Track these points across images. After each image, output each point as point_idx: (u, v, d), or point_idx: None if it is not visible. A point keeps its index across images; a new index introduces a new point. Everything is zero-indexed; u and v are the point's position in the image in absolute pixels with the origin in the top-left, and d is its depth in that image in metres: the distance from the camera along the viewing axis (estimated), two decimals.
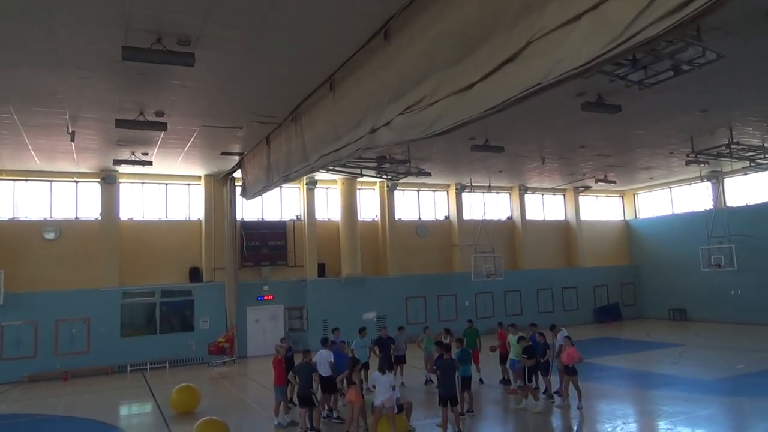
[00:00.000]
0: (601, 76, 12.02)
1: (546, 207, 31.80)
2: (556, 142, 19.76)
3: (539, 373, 13.72)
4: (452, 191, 28.44)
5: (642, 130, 18.44)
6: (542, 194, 31.46)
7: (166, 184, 23.12)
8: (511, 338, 14.60)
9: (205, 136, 16.98)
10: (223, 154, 19.14)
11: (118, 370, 20.43)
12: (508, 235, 29.99)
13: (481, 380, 15.60)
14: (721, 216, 27.89)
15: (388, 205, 26.45)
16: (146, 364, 20.72)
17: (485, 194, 28.83)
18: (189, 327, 22.20)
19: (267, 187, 17.29)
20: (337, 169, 19.31)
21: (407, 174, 20.79)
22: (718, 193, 28.92)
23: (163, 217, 23.04)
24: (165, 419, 13.46)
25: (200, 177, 23.11)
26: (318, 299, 24.11)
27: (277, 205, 25.11)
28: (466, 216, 28.71)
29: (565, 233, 32.01)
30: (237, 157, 19.80)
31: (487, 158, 21.64)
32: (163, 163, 20.01)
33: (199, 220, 23.34)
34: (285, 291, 23.97)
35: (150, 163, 18.45)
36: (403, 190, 27.43)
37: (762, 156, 20.61)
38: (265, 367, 15.84)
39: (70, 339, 20.13)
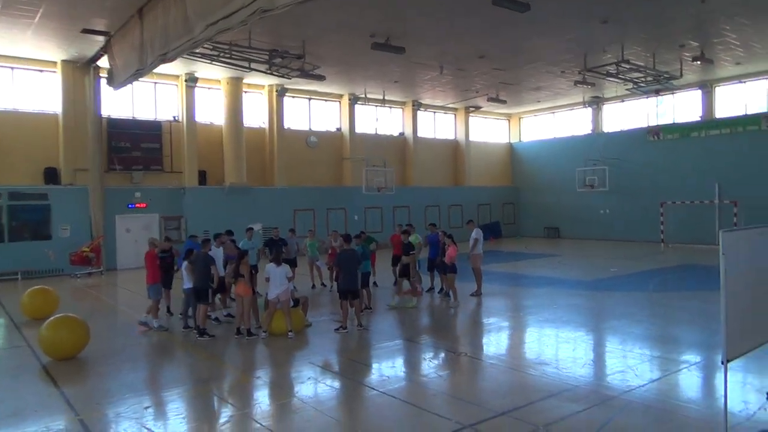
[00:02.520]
0: None
1: (437, 126, 31.71)
2: (458, 47, 19.07)
3: (437, 271, 13.62)
4: (345, 102, 27.19)
5: (542, 39, 18.28)
6: (434, 112, 31.22)
7: (12, 68, 19.47)
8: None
9: (62, 2, 14.16)
10: (85, 31, 16.26)
11: None
12: (399, 151, 29.62)
13: (375, 283, 15.26)
14: (598, 140, 29.53)
15: (276, 112, 24.68)
16: None
17: (379, 108, 27.98)
18: (45, 235, 19.51)
19: (140, 72, 14.96)
20: (222, 59, 17.22)
21: (301, 73, 19.15)
22: (597, 119, 30.44)
23: (10, 108, 19.55)
24: (16, 325, 11.59)
25: (56, 63, 19.74)
26: (198, 209, 22.25)
27: (151, 103, 22.38)
28: (359, 129, 27.76)
29: (454, 152, 32.31)
30: (102, 39, 16.98)
31: (384, 63, 20.56)
32: (7, 36, 16.67)
33: (56, 114, 20.15)
34: (160, 199, 21.82)
35: None
36: (293, 96, 25.70)
37: (644, 78, 21.56)
38: (138, 277, 14.17)
39: None
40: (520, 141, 34.86)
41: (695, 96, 26.59)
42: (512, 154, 34.96)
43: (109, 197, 20.32)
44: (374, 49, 17.33)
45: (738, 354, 5.31)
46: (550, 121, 33.29)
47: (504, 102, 28.11)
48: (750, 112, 24.81)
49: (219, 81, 23.06)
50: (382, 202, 27.37)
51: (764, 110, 24.35)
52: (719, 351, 7.02)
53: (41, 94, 20.07)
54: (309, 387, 7.50)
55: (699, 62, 20.73)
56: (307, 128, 26.57)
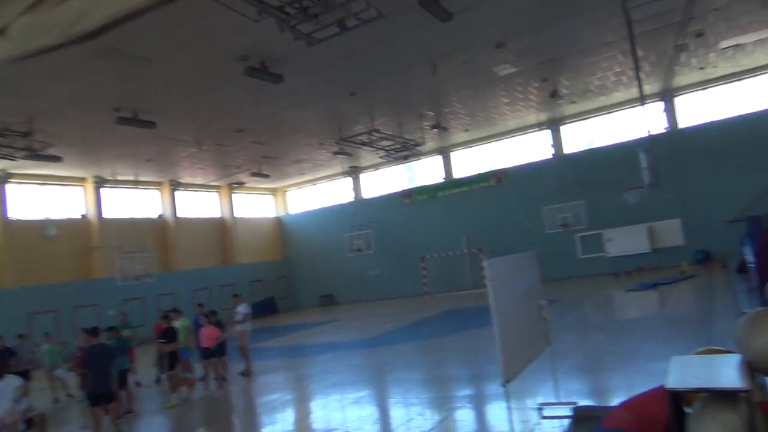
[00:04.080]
0: (269, 34, 11.43)
1: (200, 204, 30.12)
2: (215, 121, 18.41)
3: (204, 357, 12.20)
4: (89, 186, 24.16)
5: (299, 111, 18.67)
6: (196, 191, 29.65)
7: None
8: (177, 324, 12.63)
9: None
10: None
11: None
12: (159, 234, 27.20)
13: (138, 383, 13.12)
14: (360, 206, 31.10)
15: None
16: None
17: (131, 189, 25.48)
18: None
19: None
20: None
21: (29, 154, 16.37)
22: (357, 186, 32.18)
23: None
24: None
25: None
26: None
27: None
28: (109, 214, 24.79)
29: (220, 231, 30.91)
30: None
31: (134, 140, 18.81)
32: None
33: None
34: None
35: None
36: (20, 182, 21.91)
37: (394, 146, 23.42)
38: None
39: None
40: (287, 213, 35.02)
41: (437, 160, 29.91)
42: (281, 227, 34.85)
43: None
44: (120, 124, 15.68)
45: (514, 374, 5.42)
46: (314, 192, 34.20)
47: (267, 176, 28.00)
48: (481, 171, 28.70)
49: None
50: (143, 292, 24.44)
51: (492, 169, 28.39)
52: (493, 379, 7.21)
53: None
54: None
55: (436, 130, 23.38)
56: (42, 218, 22.76)
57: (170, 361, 11.38)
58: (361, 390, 10.06)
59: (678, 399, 3.39)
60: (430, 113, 21.82)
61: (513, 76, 18.59)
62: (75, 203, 24.18)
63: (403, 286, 29.44)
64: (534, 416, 6.68)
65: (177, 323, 12.55)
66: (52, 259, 22.54)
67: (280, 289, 32.79)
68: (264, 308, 30.34)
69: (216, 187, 30.38)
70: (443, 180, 29.70)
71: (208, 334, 11.55)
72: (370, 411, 8.67)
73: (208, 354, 11.57)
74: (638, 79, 16.41)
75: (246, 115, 18.13)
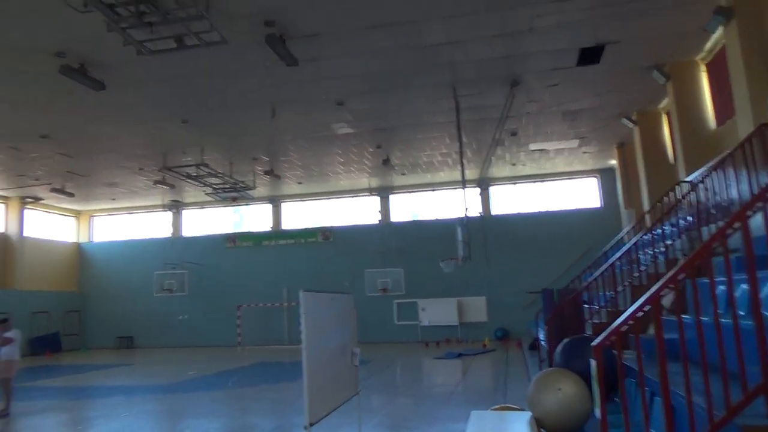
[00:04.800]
0: (95, 34, 10.40)
1: None
2: (14, 120, 15.98)
3: None
4: None
5: (117, 127, 17.07)
6: None
7: None
8: None
9: None
10: None
11: None
12: None
13: None
14: (177, 244, 29.03)
15: None
16: None
17: None
18: None
19: None
20: None
21: None
22: (177, 223, 30.11)
23: None
24: None
25: None
26: None
27: None
28: None
29: (1, 248, 26.56)
30: None
31: None
32: None
33: None
34: None
35: None
36: None
37: (223, 185, 22.43)
38: None
39: None
40: (90, 241, 31.39)
41: (267, 208, 29.29)
42: (80, 255, 31.05)
43: None
44: None
45: (319, 416, 5.09)
46: (126, 222, 31.26)
47: (72, 195, 24.92)
48: (310, 225, 28.67)
49: None
50: None
51: (319, 225, 28.52)
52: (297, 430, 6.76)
53: None
54: None
55: (269, 176, 22.97)
56: None
57: None
58: None
59: None
60: (265, 158, 21.42)
61: (350, 136, 19.11)
62: None
63: (216, 335, 27.64)
64: None
65: None
66: None
67: (68, 325, 28.74)
68: (45, 344, 26.37)
69: (3, 199, 26.34)
70: (270, 229, 29.08)
71: None
72: None
73: None
74: (461, 163, 17.94)
75: (54, 119, 16.05)
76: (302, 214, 29.25)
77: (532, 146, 21.36)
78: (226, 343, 26.93)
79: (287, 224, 29.19)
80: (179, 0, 9.28)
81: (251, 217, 29.96)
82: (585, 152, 22.71)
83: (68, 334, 28.60)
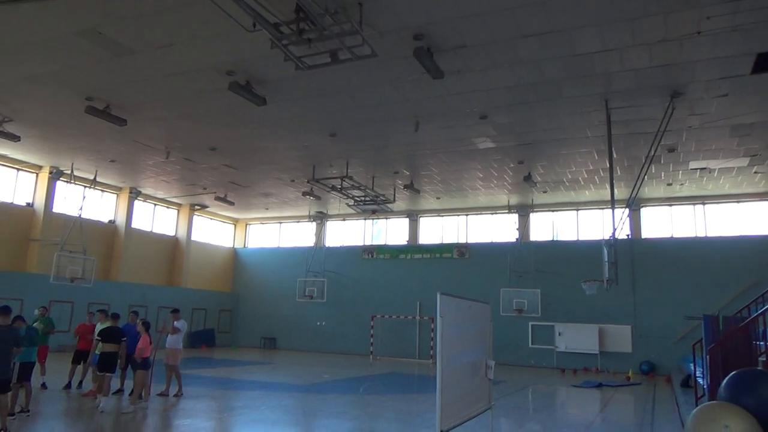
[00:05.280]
0: (260, 52, 11.39)
1: (157, 218, 29.19)
2: (188, 133, 17.98)
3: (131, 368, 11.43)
4: (44, 175, 23.23)
5: (275, 141, 18.45)
6: (155, 204, 28.82)
7: None
8: (99, 327, 11.89)
9: None
10: None
11: None
12: (107, 240, 26.13)
13: (44, 384, 12.20)
14: (320, 253, 30.56)
15: None
16: None
17: (88, 189, 24.52)
18: None
19: None
20: None
21: None
22: (320, 233, 31.73)
23: None
24: None
25: None
26: None
27: None
28: (58, 208, 23.74)
29: (172, 250, 29.86)
30: None
31: (101, 135, 18.24)
32: None
33: None
34: None
35: None
36: None
37: (364, 198, 23.27)
38: None
39: None
40: (245, 247, 34.18)
41: (404, 223, 29.85)
42: (236, 259, 33.90)
43: None
44: (89, 113, 15.17)
45: (450, 425, 4.98)
46: (276, 231, 33.58)
47: (232, 204, 27.41)
48: (446, 241, 28.69)
49: None
50: (75, 296, 23.14)
51: (455, 241, 28.42)
52: None
53: None
54: None
55: (408, 190, 23.39)
56: None
57: (104, 362, 10.57)
58: (284, 430, 9.35)
59: None
60: (406, 172, 21.86)
61: (491, 151, 18.88)
62: (23, 189, 23.12)
63: (349, 343, 28.61)
64: None
65: (99, 326, 11.87)
66: None
67: (222, 323, 31.52)
68: (201, 338, 29.13)
69: (177, 205, 29.62)
70: (407, 243, 29.54)
71: (144, 345, 10.87)
72: None
73: (137, 365, 10.86)
74: (611, 181, 16.80)
75: (222, 133, 17.81)
76: (438, 230, 29.37)
77: (693, 164, 19.52)
78: (359, 351, 27.71)
79: (423, 239, 29.47)
80: (335, 16, 9.83)
81: (389, 231, 30.69)
82: (757, 172, 20.27)
83: (221, 331, 31.27)
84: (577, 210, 26.36)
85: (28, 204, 23.15)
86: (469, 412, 6.28)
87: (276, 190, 25.58)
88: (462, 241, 28.42)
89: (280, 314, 31.07)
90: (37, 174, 23.27)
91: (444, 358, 5.12)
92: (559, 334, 24.56)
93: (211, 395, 13.23)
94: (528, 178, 21.21)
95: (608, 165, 17.04)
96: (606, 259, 15.31)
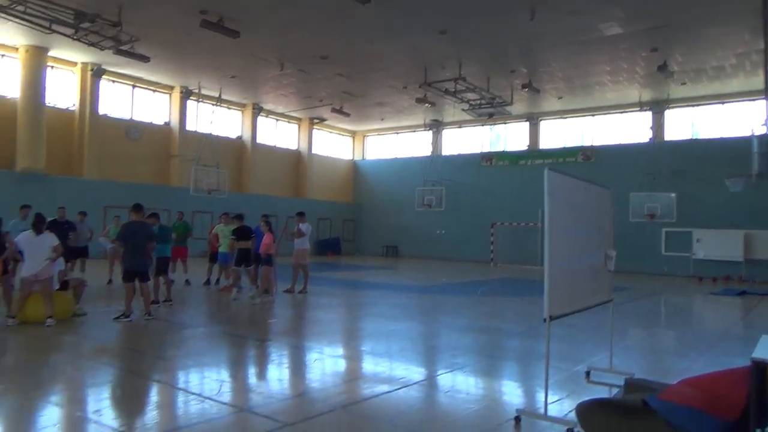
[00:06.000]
0: None
1: (279, 134, 30.50)
2: (299, 42, 18.05)
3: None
4: (176, 95, 24.89)
5: (384, 43, 17.96)
6: (277, 119, 30.01)
7: None
8: (221, 228, 12.83)
9: None
10: None
11: None
12: (236, 155, 27.86)
13: (187, 281, 13.60)
14: (437, 162, 30.36)
15: (90, 94, 21.69)
16: None
17: (215, 107, 25.98)
18: None
19: None
20: (14, 11, 14.43)
21: (117, 47, 16.79)
22: (436, 142, 31.38)
23: None
24: None
25: None
26: None
27: None
28: (191, 127, 25.54)
29: (295, 163, 31.26)
30: None
31: (219, 51, 18.92)
32: None
33: None
34: None
35: None
36: (113, 80, 22.90)
37: (480, 101, 22.37)
38: None
39: None
40: (363, 158, 34.90)
41: (524, 127, 28.50)
42: (355, 171, 34.81)
43: None
44: (203, 27, 15.68)
45: (560, 311, 4.74)
46: (393, 141, 33.75)
47: (348, 115, 27.72)
48: (569, 145, 27.08)
49: (16, 48, 19.67)
50: (212, 207, 25.18)
51: (580, 144, 26.74)
52: (541, 339, 6.55)
53: None
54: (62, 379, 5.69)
55: (527, 90, 22.04)
56: (128, 118, 23.79)
57: (241, 258, 11.56)
58: (400, 322, 9.70)
59: (763, 377, 2.80)
60: (524, 70, 20.52)
61: (619, 39, 16.99)
62: (160, 110, 25.04)
63: (469, 250, 28.74)
64: (579, 378, 5.98)
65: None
66: (133, 159, 23.60)
67: (345, 232, 33.04)
68: (327, 246, 30.76)
69: (297, 119, 30.59)
70: (527, 148, 28.33)
71: (269, 242, 11.56)
72: (411, 343, 8.06)
73: (261, 261, 11.64)
74: (766, 63, 14.49)
75: (331, 40, 17.71)
76: (561, 133, 27.72)
77: None
78: (479, 258, 27.75)
79: (545, 143, 28.04)
80: None
81: (508, 137, 29.55)
82: None
83: (346, 240, 32.81)
84: (723, 103, 23.38)
85: (165, 123, 25.12)
86: (583, 302, 5.91)
87: (390, 99, 25.38)
88: (587, 144, 26.64)
89: (400, 223, 31.80)
90: (170, 94, 24.98)
91: (552, 240, 4.74)
92: (697, 241, 22.66)
93: (334, 293, 13.99)
94: (663, 68, 18.96)
95: (763, 45, 14.68)
96: (755, 150, 13.51)
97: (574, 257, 5.61)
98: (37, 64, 19.77)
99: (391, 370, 6.18)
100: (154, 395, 5.22)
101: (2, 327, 7.68)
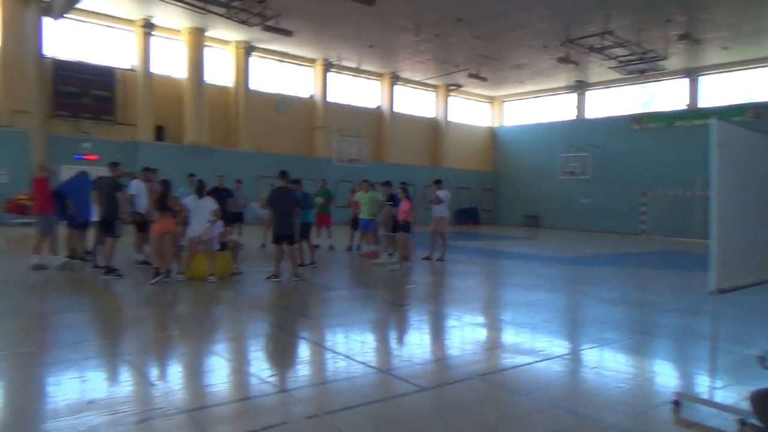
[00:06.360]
0: None
1: (416, 102, 30.57)
2: (434, 5, 17.74)
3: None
4: (318, 68, 25.87)
5: (520, 2, 17.06)
6: (414, 87, 30.06)
7: None
8: (361, 195, 13.11)
9: None
10: None
11: None
12: (375, 124, 28.46)
13: (331, 247, 14.23)
14: (581, 126, 28.58)
15: (243, 71, 23.33)
16: None
17: (354, 77, 26.66)
18: None
19: None
20: None
21: (264, 23, 17.70)
22: (581, 104, 29.49)
23: None
24: None
25: None
26: (154, 166, 20.65)
27: (104, 48, 20.79)
28: (332, 98, 26.46)
29: (432, 132, 31.22)
30: None
31: (357, 20, 19.19)
32: None
33: None
34: (112, 151, 20.19)
35: None
36: (262, 56, 24.37)
37: (629, 57, 20.46)
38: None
39: None
40: (501, 125, 33.87)
41: (680, 84, 25.74)
42: (494, 138, 33.94)
43: (53, 144, 18.83)
44: None
45: (731, 284, 4.16)
46: (533, 106, 32.28)
47: (485, 80, 26.82)
48: (736, 102, 23.99)
49: (179, 31, 21.61)
50: (353, 176, 26.02)
51: (750, 101, 23.55)
52: (703, 318, 5.94)
53: None
54: (224, 329, 6.27)
55: (685, 41, 19.73)
56: (276, 92, 25.25)
57: (393, 224, 11.89)
58: (546, 293, 9.32)
59: None
60: (681, 18, 18.36)
61: None
62: (305, 83, 26.21)
63: (617, 221, 26.91)
64: (750, 364, 5.31)
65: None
66: (281, 131, 25.10)
67: (484, 201, 32.55)
68: (466, 216, 30.57)
69: (433, 87, 30.39)
70: (686, 108, 25.55)
71: (406, 209, 11.64)
72: (546, 315, 7.59)
73: (399, 227, 11.74)
74: None
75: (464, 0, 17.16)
76: (726, 89, 24.58)
77: None
78: (628, 229, 25.87)
79: (706, 101, 25.08)
80: None
81: (662, 95, 26.86)
82: None
83: (484, 209, 32.32)
84: None
85: (310, 96, 26.28)
86: (759, 275, 5.13)
87: (528, 60, 24.20)
88: (759, 100, 23.37)
89: (542, 192, 30.55)
90: (313, 67, 26.02)
91: (721, 200, 4.14)
92: None
93: (473, 261, 13.83)
94: None
95: None
96: None
97: (745, 223, 4.90)
98: (197, 44, 21.62)
99: (533, 342, 5.95)
100: (298, 350, 5.52)
101: (172, 281, 8.60)
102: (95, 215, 9.28)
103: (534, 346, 5.78)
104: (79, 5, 16.91)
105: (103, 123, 20.20)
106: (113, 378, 4.41)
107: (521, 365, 5.02)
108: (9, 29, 18.17)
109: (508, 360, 5.28)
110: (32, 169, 18.18)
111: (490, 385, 4.48)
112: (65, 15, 15.73)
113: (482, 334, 6.50)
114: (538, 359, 5.21)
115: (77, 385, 4.11)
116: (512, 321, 7.16)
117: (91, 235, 10.19)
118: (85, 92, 19.69)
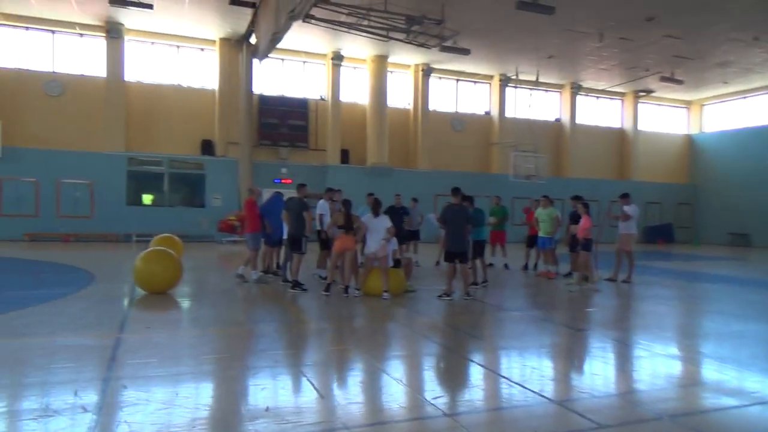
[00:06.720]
0: None
1: (600, 112, 28.70)
2: (620, 7, 16.56)
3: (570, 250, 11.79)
4: (495, 84, 25.66)
5: None
6: (597, 96, 28.28)
7: (178, 46, 21.26)
8: (540, 212, 12.55)
9: None
10: (233, 2, 16.99)
11: (124, 239, 19.46)
12: (554, 138, 27.31)
13: (506, 265, 13.91)
14: None
15: (422, 92, 24.07)
16: (153, 236, 19.63)
17: (532, 90, 25.91)
18: (199, 203, 21.02)
19: (276, 36, 15.30)
20: (360, 26, 16.83)
21: (441, 45, 18.09)
22: None
23: (175, 83, 21.32)
24: None
25: (215, 42, 21.15)
26: (339, 187, 22.17)
27: (299, 82, 23.03)
28: (510, 113, 26.01)
29: (618, 142, 29.00)
30: (249, 11, 17.67)
31: (535, 31, 18.70)
32: (168, 10, 18.03)
33: (213, 90, 21.61)
34: (304, 175, 22.18)
35: (150, 6, 16.49)
36: (439, 77, 24.89)
37: None
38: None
39: (74, 202, 19.26)
40: (701, 132, 30.21)
41: None
42: (691, 147, 30.42)
43: (257, 171, 21.22)
44: (519, 9, 15.67)
45: None
46: (740, 108, 28.27)
47: (681, 83, 24.27)
48: None
49: (364, 60, 23.02)
50: (531, 192, 25.18)
51: None
52: None
53: (201, 70, 21.65)
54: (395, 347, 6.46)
55: None
56: (453, 110, 25.59)
57: (574, 243, 11.43)
58: (752, 323, 8.06)
59: None
60: None
61: None
62: (481, 100, 26.15)
63: None
64: None
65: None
66: (458, 149, 25.32)
67: (679, 217, 29.29)
68: (657, 234, 27.85)
69: (620, 94, 28.28)
70: None
71: (584, 226, 11.01)
72: (757, 350, 6.49)
73: (578, 246, 11.13)
74: None
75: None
76: None
77: None
78: None
79: None
80: None
81: None
82: None
83: (680, 226, 29.04)
84: None
85: (486, 112, 26.16)
86: None
87: (735, 56, 21.32)
88: None
89: (752, 206, 26.53)
90: (489, 83, 25.88)
91: None
92: None
93: (664, 284, 12.43)
94: None
95: None
96: None
97: None
98: (380, 70, 22.88)
99: (740, 381, 5.10)
100: (468, 373, 5.39)
101: (350, 297, 9.04)
102: (285, 233, 10.18)
103: (742, 385, 4.95)
104: (278, 45, 18.96)
105: (298, 149, 22.31)
106: (289, 387, 4.73)
107: (726, 408, 4.33)
108: (225, 72, 21.06)
109: (708, 400, 4.59)
110: (240, 194, 20.73)
111: (683, 428, 3.92)
112: (268, 55, 17.74)
113: (675, 367, 5.75)
114: (747, 402, 4.45)
115: (258, 392, 4.49)
116: (714, 354, 6.23)
117: (281, 251, 11.23)
118: (284, 123, 21.98)
